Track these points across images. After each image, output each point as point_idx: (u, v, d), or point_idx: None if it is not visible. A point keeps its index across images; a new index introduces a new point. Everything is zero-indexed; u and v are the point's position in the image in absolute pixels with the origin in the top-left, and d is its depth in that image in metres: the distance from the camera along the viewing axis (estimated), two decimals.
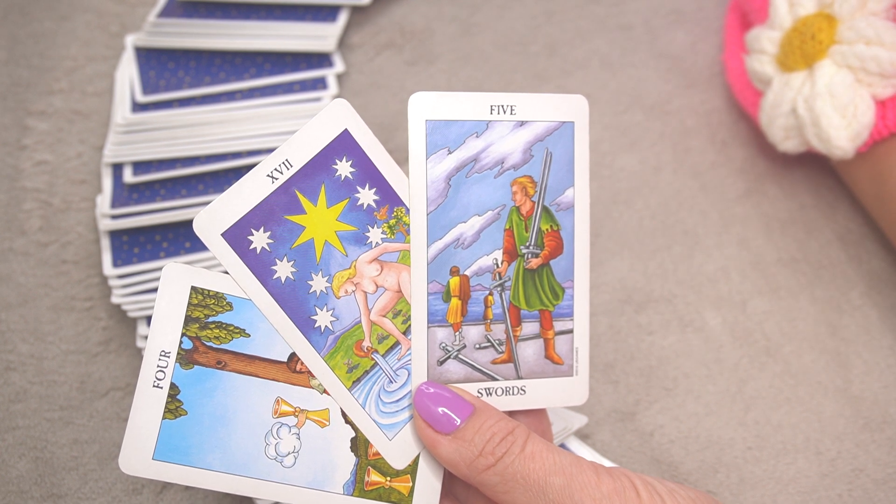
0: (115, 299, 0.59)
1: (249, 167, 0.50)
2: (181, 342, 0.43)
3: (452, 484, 0.48)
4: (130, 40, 0.67)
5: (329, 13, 0.68)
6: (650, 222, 0.63)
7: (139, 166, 0.62)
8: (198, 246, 0.60)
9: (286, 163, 0.43)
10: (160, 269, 0.58)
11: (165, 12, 0.67)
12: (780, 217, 0.64)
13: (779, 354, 0.59)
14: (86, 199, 0.63)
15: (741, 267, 0.62)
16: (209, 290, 0.43)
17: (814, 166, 0.65)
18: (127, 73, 0.66)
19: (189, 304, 0.43)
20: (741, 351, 0.59)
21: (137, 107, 0.64)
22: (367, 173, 0.45)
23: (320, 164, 0.44)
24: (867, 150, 0.58)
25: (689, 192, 0.64)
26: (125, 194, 0.61)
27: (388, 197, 0.45)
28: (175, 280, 0.43)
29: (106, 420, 0.57)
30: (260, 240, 0.43)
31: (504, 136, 0.46)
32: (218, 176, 0.62)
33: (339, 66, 0.67)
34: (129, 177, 0.62)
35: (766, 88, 0.61)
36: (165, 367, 0.43)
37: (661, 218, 0.64)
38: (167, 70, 0.66)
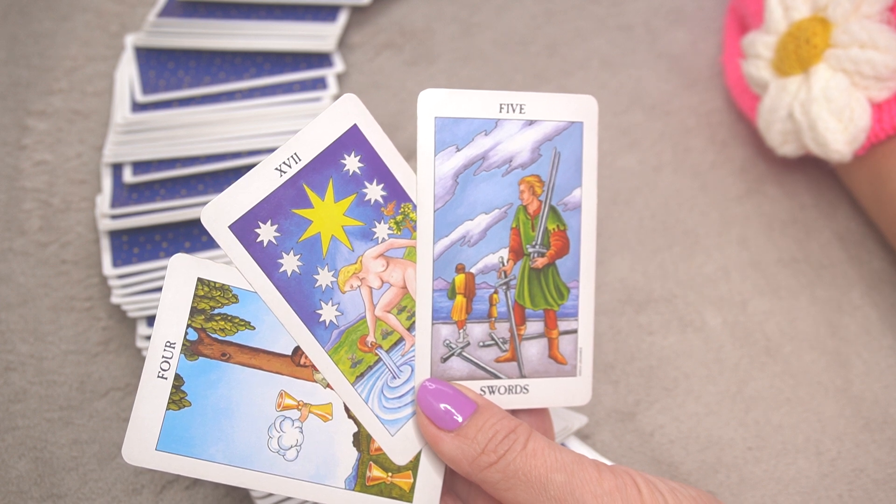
0: (114, 299, 0.58)
1: (249, 167, 0.50)
2: (186, 333, 0.43)
3: (454, 481, 0.48)
4: (130, 40, 0.67)
5: (329, 13, 0.68)
6: (650, 222, 0.64)
7: (139, 166, 0.62)
8: (197, 246, 0.60)
9: (294, 156, 0.43)
10: (160, 269, 0.59)
11: (165, 12, 0.67)
12: (780, 217, 0.64)
13: (779, 354, 0.59)
14: (85, 199, 0.63)
15: (741, 267, 0.62)
16: (215, 282, 0.43)
17: (814, 166, 0.65)
18: (127, 73, 0.66)
19: (195, 295, 0.43)
20: (741, 351, 0.59)
21: (137, 107, 0.64)
22: (375, 169, 0.45)
23: (329, 158, 0.44)
24: (865, 153, 0.58)
25: (689, 192, 0.65)
26: (125, 194, 0.61)
27: (396, 193, 0.45)
28: (181, 271, 0.43)
29: (106, 420, 0.57)
30: (267, 233, 0.43)
31: (513, 134, 0.46)
32: (218, 176, 0.62)
33: (339, 66, 0.67)
34: (128, 177, 0.61)
35: (764, 93, 0.61)
36: (170, 358, 0.43)
37: (661, 218, 0.64)
38: (167, 70, 0.66)
